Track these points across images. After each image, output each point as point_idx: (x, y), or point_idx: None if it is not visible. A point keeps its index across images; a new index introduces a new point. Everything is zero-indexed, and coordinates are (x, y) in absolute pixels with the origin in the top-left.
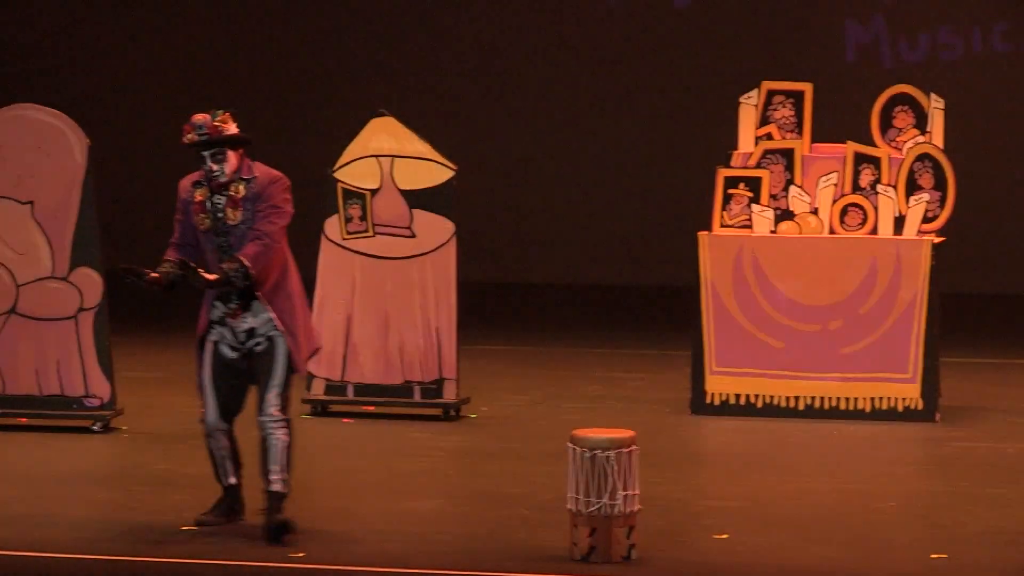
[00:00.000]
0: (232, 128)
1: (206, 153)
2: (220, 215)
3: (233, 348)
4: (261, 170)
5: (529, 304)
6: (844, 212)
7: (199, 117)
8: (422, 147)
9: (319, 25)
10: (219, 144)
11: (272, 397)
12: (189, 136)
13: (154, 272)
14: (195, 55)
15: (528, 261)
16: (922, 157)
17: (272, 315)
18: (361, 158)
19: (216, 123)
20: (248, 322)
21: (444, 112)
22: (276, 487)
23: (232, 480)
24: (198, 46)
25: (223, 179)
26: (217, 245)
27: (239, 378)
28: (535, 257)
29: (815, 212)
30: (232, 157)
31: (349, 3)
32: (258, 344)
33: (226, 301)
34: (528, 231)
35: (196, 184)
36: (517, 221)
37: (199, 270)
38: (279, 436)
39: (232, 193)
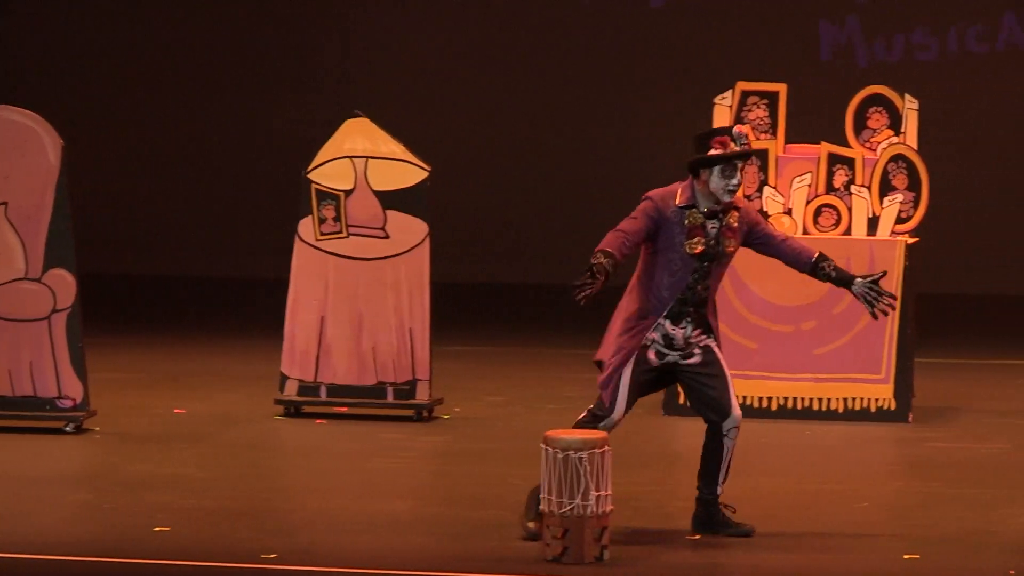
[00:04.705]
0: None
1: (740, 164)
2: (718, 244)
3: (659, 354)
4: (739, 200)
5: (503, 305)
6: (818, 213)
7: (741, 128)
8: (396, 148)
9: (291, 24)
10: (749, 156)
11: (736, 403)
12: (730, 147)
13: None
14: (170, 52)
15: (502, 262)
16: (896, 158)
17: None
18: (335, 159)
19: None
20: (688, 330)
21: (417, 112)
22: (718, 492)
23: None
24: (173, 44)
25: (731, 197)
26: (696, 269)
27: (650, 385)
28: (509, 258)
29: (789, 213)
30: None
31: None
32: (693, 353)
33: (677, 322)
34: (501, 232)
35: (684, 208)
36: (490, 222)
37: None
38: (734, 444)
39: (731, 221)
